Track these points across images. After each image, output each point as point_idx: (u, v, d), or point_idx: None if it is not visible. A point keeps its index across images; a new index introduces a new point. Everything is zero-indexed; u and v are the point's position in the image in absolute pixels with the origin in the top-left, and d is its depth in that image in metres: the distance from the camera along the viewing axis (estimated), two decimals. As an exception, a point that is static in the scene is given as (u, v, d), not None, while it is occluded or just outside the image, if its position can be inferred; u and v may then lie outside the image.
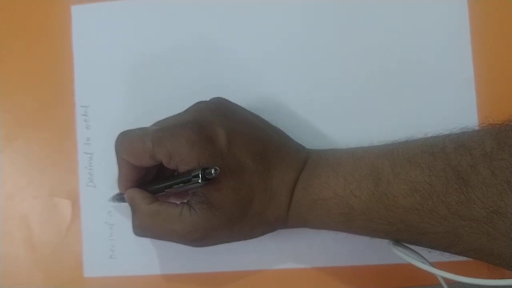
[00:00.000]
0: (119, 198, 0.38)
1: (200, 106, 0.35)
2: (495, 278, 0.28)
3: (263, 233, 0.36)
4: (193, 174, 0.30)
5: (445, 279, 0.33)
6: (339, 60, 0.41)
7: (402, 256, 0.33)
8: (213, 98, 0.36)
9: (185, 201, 0.34)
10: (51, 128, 0.42)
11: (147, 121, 0.36)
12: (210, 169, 0.30)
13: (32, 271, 0.42)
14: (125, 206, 0.37)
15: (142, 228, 0.34)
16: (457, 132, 0.32)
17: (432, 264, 0.32)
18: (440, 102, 0.40)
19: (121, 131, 0.35)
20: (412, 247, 0.34)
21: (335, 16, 0.41)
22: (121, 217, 0.41)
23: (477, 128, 0.32)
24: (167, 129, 0.33)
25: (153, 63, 0.42)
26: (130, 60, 0.42)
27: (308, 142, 0.39)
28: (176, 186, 0.33)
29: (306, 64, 0.41)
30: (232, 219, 0.33)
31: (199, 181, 0.30)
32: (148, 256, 0.41)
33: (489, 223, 0.28)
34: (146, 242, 0.41)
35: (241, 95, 0.39)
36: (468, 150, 0.29)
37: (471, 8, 0.40)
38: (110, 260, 0.41)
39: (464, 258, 0.31)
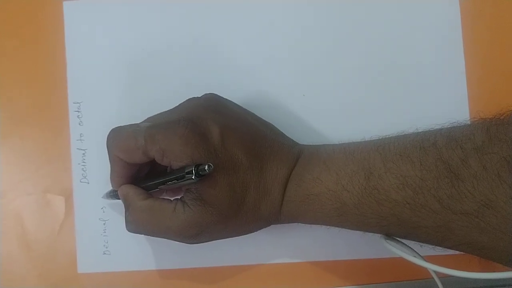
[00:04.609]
0: (113, 195, 0.38)
1: (192, 103, 0.35)
2: (486, 272, 0.28)
3: (257, 228, 0.36)
4: (186, 171, 0.30)
5: (437, 273, 0.33)
6: (332, 56, 0.41)
7: (394, 250, 0.33)
8: (205, 94, 0.36)
9: (179, 197, 0.34)
10: (44, 124, 0.42)
11: (140, 117, 0.36)
12: (203, 165, 0.30)
13: (26, 268, 0.42)
14: (119, 203, 0.37)
15: (135, 224, 0.34)
16: (449, 126, 0.32)
17: (424, 258, 0.33)
18: (432, 97, 0.40)
19: (113, 127, 0.35)
20: (404, 241, 0.34)
21: (328, 13, 0.41)
22: (114, 213, 0.41)
23: (468, 122, 0.33)
24: (159, 125, 0.33)
25: (145, 59, 0.42)
26: (123, 56, 0.42)
27: (301, 138, 0.39)
28: (169, 182, 0.33)
29: (299, 60, 0.41)
30: (226, 215, 0.33)
31: (193, 177, 0.30)
32: (142, 251, 0.41)
33: (480, 217, 0.28)
34: (140, 238, 0.41)
35: (234, 91, 0.39)
36: (459, 144, 0.29)
37: (463, 4, 0.41)
38: (104, 256, 0.41)
39: (456, 252, 0.32)
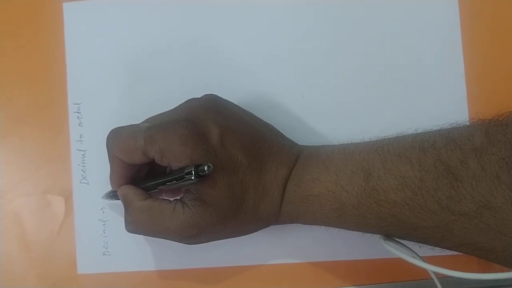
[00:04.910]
0: (112, 195, 0.38)
1: (192, 103, 0.35)
2: (485, 272, 0.28)
3: (256, 229, 0.36)
4: (186, 171, 0.30)
5: (436, 274, 0.33)
6: (331, 57, 0.41)
7: (393, 251, 0.33)
8: (205, 95, 0.36)
9: (178, 198, 0.34)
10: (43, 125, 0.42)
11: (140, 118, 0.36)
12: (203, 166, 0.30)
13: (26, 268, 0.42)
14: (118, 203, 0.37)
15: (135, 225, 0.34)
16: (448, 127, 0.32)
17: (423, 259, 0.33)
18: (432, 98, 0.40)
19: (113, 128, 0.35)
20: (403, 241, 0.34)
21: (328, 13, 0.41)
22: (114, 214, 0.41)
23: (467, 123, 0.33)
24: (159, 126, 0.33)
25: (145, 59, 0.42)
26: (122, 57, 0.42)
27: (300, 138, 0.39)
28: (169, 183, 0.33)
29: (298, 61, 0.41)
30: (225, 216, 0.33)
31: (192, 178, 0.30)
32: (141, 252, 0.41)
33: (479, 218, 0.28)
34: (139, 238, 0.41)
35: (233, 92, 0.39)
36: (458, 145, 0.29)
37: (462, 4, 0.41)
38: (104, 257, 0.41)
39: (455, 253, 0.32)
